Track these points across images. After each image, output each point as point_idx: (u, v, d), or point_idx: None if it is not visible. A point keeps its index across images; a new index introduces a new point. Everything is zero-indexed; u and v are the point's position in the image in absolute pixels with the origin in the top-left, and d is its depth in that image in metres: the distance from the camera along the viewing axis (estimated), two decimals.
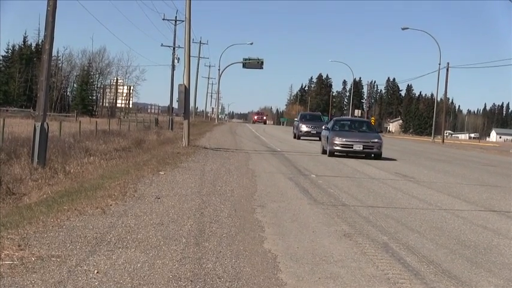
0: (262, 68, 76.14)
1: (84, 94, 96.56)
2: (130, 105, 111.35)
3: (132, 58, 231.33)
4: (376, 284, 5.60)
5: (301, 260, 6.27)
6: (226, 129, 58.32)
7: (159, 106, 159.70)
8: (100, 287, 5.03)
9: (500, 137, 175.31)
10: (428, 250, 7.10)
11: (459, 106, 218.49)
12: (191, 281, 5.32)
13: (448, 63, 61.30)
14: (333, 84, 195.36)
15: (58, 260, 5.70)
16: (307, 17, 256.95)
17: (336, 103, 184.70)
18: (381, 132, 38.91)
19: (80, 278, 5.21)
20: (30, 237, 6.51)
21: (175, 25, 59.40)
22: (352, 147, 22.85)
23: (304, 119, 41.72)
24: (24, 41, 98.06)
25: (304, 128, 39.68)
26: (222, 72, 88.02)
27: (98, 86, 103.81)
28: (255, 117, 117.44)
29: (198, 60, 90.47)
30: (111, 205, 8.82)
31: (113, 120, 50.83)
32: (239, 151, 23.25)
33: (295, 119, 43.67)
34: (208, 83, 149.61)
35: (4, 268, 5.32)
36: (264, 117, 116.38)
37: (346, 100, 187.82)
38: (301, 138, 39.40)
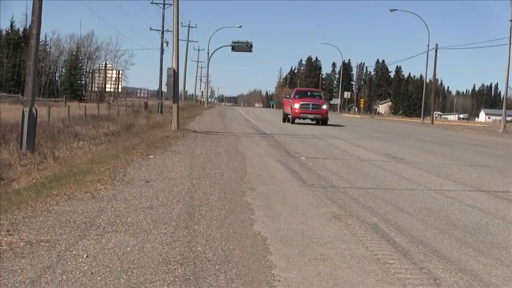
0: (252, 51, 75.72)
1: (73, 79, 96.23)
2: (120, 90, 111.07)
3: (121, 42, 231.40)
4: (365, 264, 5.62)
5: (291, 242, 6.27)
6: (216, 112, 58.22)
7: (148, 90, 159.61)
8: (89, 271, 5.01)
9: (489, 118, 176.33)
10: (418, 231, 7.13)
11: (448, 87, 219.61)
12: (181, 264, 5.32)
13: (436, 45, 61.59)
14: (322, 66, 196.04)
15: (47, 244, 5.68)
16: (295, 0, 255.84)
17: (326, 85, 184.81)
18: None
19: (69, 263, 5.19)
20: (19, 223, 6.48)
21: (163, 8, 59.21)
22: None
23: None
24: (12, 26, 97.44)
25: None
26: (211, 56, 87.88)
27: (87, 70, 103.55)
28: (297, 104, 36.59)
29: (187, 43, 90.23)
30: (100, 189, 8.79)
31: (102, 105, 50.69)
32: (229, 134, 23.21)
33: None
34: (197, 67, 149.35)
35: None
36: (324, 106, 37.52)
37: (335, 82, 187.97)
38: None
